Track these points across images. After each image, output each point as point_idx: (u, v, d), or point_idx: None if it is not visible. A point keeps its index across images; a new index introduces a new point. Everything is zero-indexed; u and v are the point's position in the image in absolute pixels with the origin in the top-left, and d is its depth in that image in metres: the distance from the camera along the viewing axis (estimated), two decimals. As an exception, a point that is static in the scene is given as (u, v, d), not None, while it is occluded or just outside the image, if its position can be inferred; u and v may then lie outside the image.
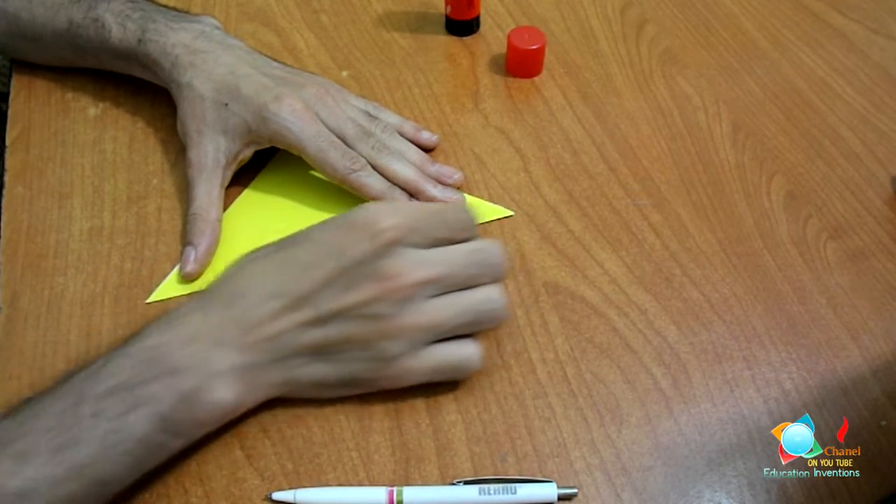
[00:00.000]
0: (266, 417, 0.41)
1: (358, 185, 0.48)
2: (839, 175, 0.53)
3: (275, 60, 0.53)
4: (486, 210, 0.51)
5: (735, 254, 0.49)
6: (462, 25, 0.63)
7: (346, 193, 0.50)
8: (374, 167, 0.49)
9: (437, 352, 0.40)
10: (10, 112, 0.57)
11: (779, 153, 0.55)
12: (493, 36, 0.63)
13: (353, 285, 0.38)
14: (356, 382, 0.41)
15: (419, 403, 0.42)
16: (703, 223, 0.50)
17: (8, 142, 0.55)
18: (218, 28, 0.54)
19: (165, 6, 0.55)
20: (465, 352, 0.41)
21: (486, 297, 0.41)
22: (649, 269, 0.48)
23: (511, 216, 0.51)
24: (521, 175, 0.53)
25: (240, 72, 0.50)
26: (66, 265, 0.48)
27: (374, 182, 0.49)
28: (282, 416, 0.41)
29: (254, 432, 0.41)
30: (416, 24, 0.64)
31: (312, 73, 0.54)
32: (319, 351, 0.39)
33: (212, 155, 0.49)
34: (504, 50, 0.60)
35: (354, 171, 0.48)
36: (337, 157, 0.48)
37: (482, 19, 0.63)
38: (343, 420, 0.41)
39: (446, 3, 0.62)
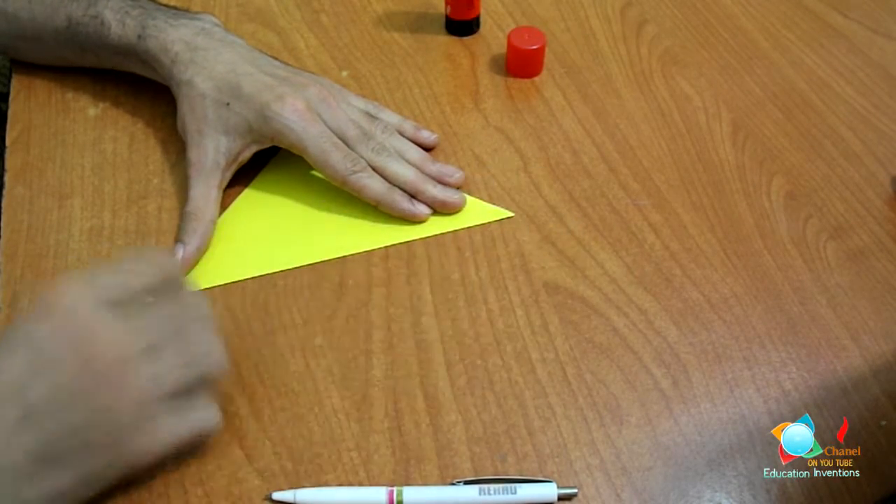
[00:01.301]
0: (266, 417, 0.41)
1: (358, 187, 0.48)
2: (839, 175, 0.53)
3: (276, 59, 0.53)
4: (487, 211, 0.51)
5: (735, 254, 0.49)
6: (462, 25, 0.63)
7: (345, 193, 0.50)
8: (374, 168, 0.49)
9: (173, 421, 0.36)
10: (10, 112, 0.57)
11: (779, 153, 0.55)
12: (493, 36, 0.63)
13: (52, 366, 0.34)
14: (96, 480, 0.35)
15: (419, 403, 0.42)
16: (703, 223, 0.50)
17: (8, 142, 0.55)
18: (218, 25, 0.54)
19: (165, 4, 0.55)
20: (203, 413, 0.38)
21: (204, 352, 0.38)
22: (649, 269, 0.48)
23: (511, 217, 0.51)
24: (521, 175, 0.53)
25: (241, 70, 0.50)
26: (66, 265, 0.48)
27: (373, 184, 0.49)
28: (282, 416, 0.41)
29: (254, 432, 0.41)
30: (416, 24, 0.64)
31: (313, 72, 0.54)
32: (43, 457, 0.33)
33: (211, 155, 0.49)
34: (504, 50, 0.60)
35: (355, 172, 0.48)
36: (338, 159, 0.48)
37: (482, 19, 0.63)
38: (343, 420, 0.41)
39: (446, 3, 0.62)
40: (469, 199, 0.51)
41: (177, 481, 0.39)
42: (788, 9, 0.66)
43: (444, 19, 0.63)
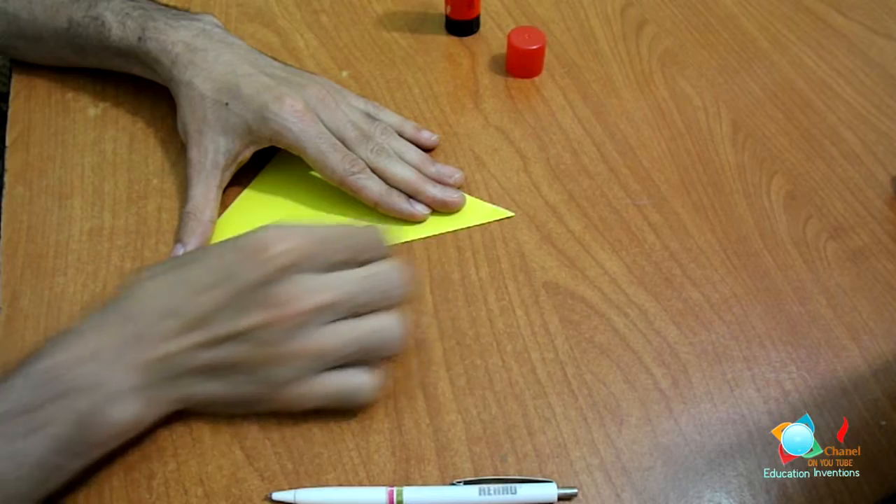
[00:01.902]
0: (266, 417, 0.41)
1: (356, 188, 0.48)
2: (839, 175, 0.53)
3: (275, 60, 0.53)
4: (487, 211, 0.51)
5: (735, 254, 0.49)
6: (462, 25, 0.63)
7: (344, 194, 0.50)
8: (373, 170, 0.49)
9: (328, 380, 0.40)
10: (10, 112, 0.57)
11: (779, 153, 0.55)
12: (493, 36, 0.63)
13: (245, 310, 0.38)
14: (249, 404, 0.40)
15: (419, 403, 0.42)
16: (703, 223, 0.50)
17: (8, 142, 0.55)
18: (218, 26, 0.54)
19: (166, 5, 0.55)
20: (355, 382, 0.40)
21: (382, 325, 0.40)
22: (649, 269, 0.48)
23: (511, 217, 0.51)
24: (521, 175, 0.53)
25: (240, 71, 0.50)
26: (66, 265, 0.48)
27: (372, 185, 0.49)
28: (282, 416, 0.41)
29: (254, 432, 0.41)
30: (416, 24, 0.64)
31: (313, 72, 0.54)
32: (212, 371, 0.38)
33: (211, 155, 0.49)
34: (504, 50, 0.60)
35: (353, 173, 0.48)
36: (336, 160, 0.48)
37: (482, 19, 0.63)
38: (343, 420, 0.41)
39: (446, 3, 0.62)
40: (469, 198, 0.51)
41: (177, 481, 0.39)
42: (788, 9, 0.66)
43: (444, 19, 0.63)
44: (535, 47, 0.58)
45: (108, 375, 0.36)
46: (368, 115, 0.52)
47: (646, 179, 0.53)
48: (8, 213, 0.50)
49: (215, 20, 0.54)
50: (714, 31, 0.64)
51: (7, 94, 0.58)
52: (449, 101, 0.58)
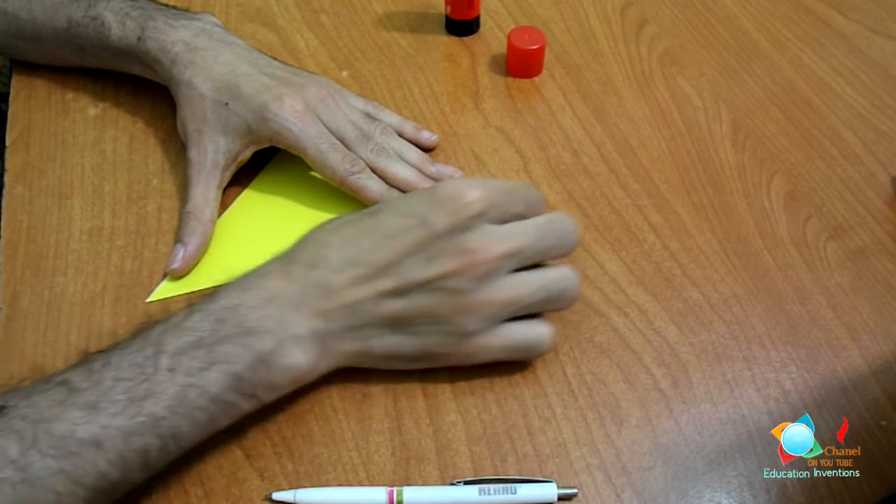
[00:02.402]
0: (266, 417, 0.41)
1: (356, 188, 0.48)
2: (839, 175, 0.53)
3: (275, 59, 0.53)
4: None
5: (735, 254, 0.49)
6: (462, 25, 0.63)
7: (344, 194, 0.50)
8: (373, 170, 0.49)
9: (511, 330, 0.41)
10: (10, 112, 0.57)
11: (779, 153, 0.55)
12: (493, 36, 0.63)
13: (436, 258, 0.38)
14: (429, 356, 0.41)
15: (419, 403, 0.42)
16: (703, 223, 0.50)
17: (8, 142, 0.55)
18: (218, 26, 0.54)
19: (165, 5, 0.55)
20: (538, 331, 0.42)
21: (562, 275, 0.41)
22: (649, 269, 0.48)
23: None
24: (521, 175, 0.53)
25: (240, 70, 0.50)
26: (66, 265, 0.48)
27: (372, 185, 0.49)
28: (282, 416, 0.41)
29: (254, 432, 0.41)
30: (416, 24, 0.64)
31: (313, 72, 0.54)
32: (396, 322, 0.39)
33: (211, 155, 0.49)
34: (504, 50, 0.60)
35: (353, 173, 0.48)
36: (336, 159, 0.48)
37: (482, 19, 0.63)
38: (343, 420, 0.41)
39: (446, 3, 0.62)
40: None
41: (177, 481, 0.39)
42: (788, 9, 0.66)
43: (444, 19, 0.63)
44: (535, 47, 0.58)
45: (288, 319, 0.37)
46: (368, 115, 0.53)
47: (646, 179, 0.53)
48: (8, 213, 0.50)
49: (215, 19, 0.54)
50: (714, 31, 0.64)
51: (7, 94, 0.58)
52: (449, 101, 0.58)
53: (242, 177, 0.52)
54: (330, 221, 0.41)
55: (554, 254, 0.41)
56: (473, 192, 0.39)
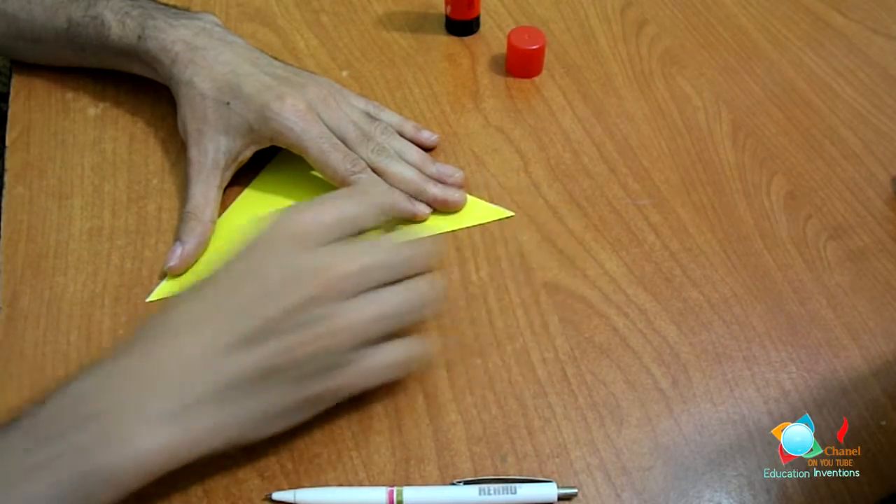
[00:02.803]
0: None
1: (359, 171, 0.49)
2: (839, 175, 0.53)
3: (276, 59, 0.53)
4: (487, 211, 0.51)
5: (735, 254, 0.49)
6: (462, 25, 0.63)
7: None
8: (374, 169, 0.49)
9: (390, 349, 0.39)
10: (10, 112, 0.56)
11: (779, 153, 0.55)
12: (493, 36, 0.63)
13: (292, 288, 0.36)
14: (308, 403, 0.38)
15: (419, 403, 0.42)
16: (703, 223, 0.50)
17: (8, 142, 0.55)
18: (218, 25, 0.54)
19: (166, 4, 0.55)
20: (412, 344, 0.41)
21: (418, 286, 0.40)
22: (649, 269, 0.48)
23: (511, 216, 0.51)
24: (521, 175, 0.53)
25: (241, 70, 0.50)
26: (66, 265, 0.48)
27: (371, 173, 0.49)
28: (282, 416, 0.41)
29: (254, 432, 0.41)
30: (416, 24, 0.64)
31: (313, 72, 0.54)
32: (264, 376, 0.35)
33: (211, 155, 0.49)
34: (504, 50, 0.60)
35: (354, 173, 0.48)
36: (338, 159, 0.48)
37: (482, 19, 0.63)
38: (343, 420, 0.41)
39: (446, 3, 0.62)
40: (469, 198, 0.51)
41: (177, 481, 0.39)
42: (788, 9, 0.66)
43: (444, 19, 0.63)
44: (535, 47, 0.58)
45: (139, 401, 0.34)
46: (369, 115, 0.53)
47: (646, 179, 0.53)
48: (8, 213, 0.50)
49: (215, 19, 0.54)
50: (714, 31, 0.64)
51: (7, 94, 0.58)
52: (449, 101, 0.58)
53: (242, 176, 0.52)
54: (181, 293, 0.38)
55: (409, 273, 0.40)
56: (304, 216, 0.38)
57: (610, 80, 0.60)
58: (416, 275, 0.40)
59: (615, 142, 0.55)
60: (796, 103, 0.58)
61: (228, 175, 0.50)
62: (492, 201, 0.51)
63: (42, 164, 0.53)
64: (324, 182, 0.50)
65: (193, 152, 0.49)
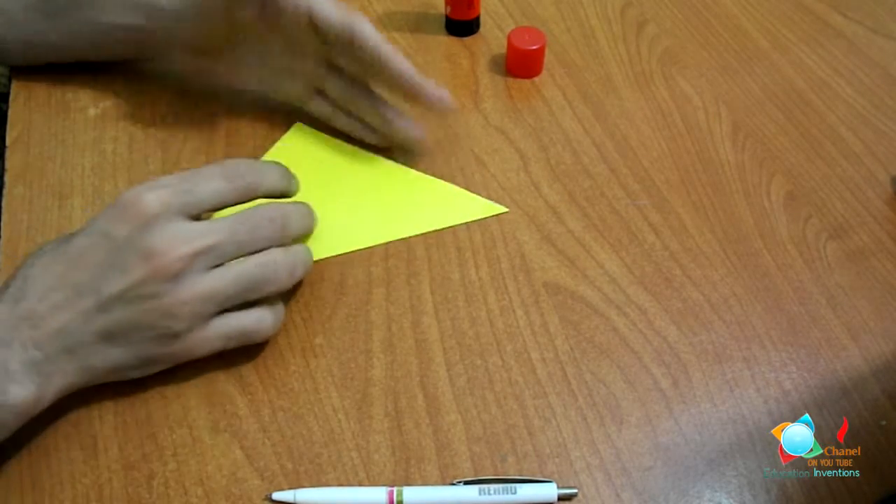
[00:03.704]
0: (266, 417, 0.41)
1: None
2: (839, 175, 0.53)
3: None
4: (480, 206, 0.51)
5: (735, 254, 0.49)
6: (462, 25, 0.63)
7: (343, 191, 0.50)
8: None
9: (225, 322, 0.40)
10: (10, 112, 0.56)
11: (779, 153, 0.55)
12: (493, 36, 0.63)
13: (124, 268, 0.38)
14: (150, 362, 0.40)
15: (419, 403, 0.42)
16: (703, 223, 0.50)
17: (8, 142, 0.55)
18: None
19: None
20: (254, 317, 0.41)
21: (266, 260, 0.41)
22: (649, 269, 0.48)
23: (506, 212, 0.51)
24: (521, 175, 0.53)
25: None
26: (66, 265, 0.48)
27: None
28: (282, 416, 0.41)
29: (254, 432, 0.41)
30: (416, 24, 0.64)
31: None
32: (108, 337, 0.39)
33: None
34: (504, 50, 0.60)
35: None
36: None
37: (482, 19, 0.63)
38: (343, 420, 0.41)
39: (446, 4, 0.62)
40: (463, 193, 0.51)
41: (177, 481, 0.39)
42: (788, 9, 0.66)
43: (444, 19, 0.63)
44: (535, 47, 0.58)
45: (1, 356, 0.37)
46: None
47: (646, 179, 0.53)
48: (8, 213, 0.50)
49: None
50: (714, 31, 0.64)
51: (7, 95, 0.58)
52: (449, 101, 0.58)
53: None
54: (33, 253, 0.40)
55: (260, 245, 0.41)
56: (148, 195, 0.39)
57: (610, 80, 0.60)
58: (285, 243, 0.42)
59: (615, 142, 0.55)
60: (796, 103, 0.58)
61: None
62: (492, 201, 0.51)
63: (42, 164, 0.53)
64: (315, 182, 0.50)
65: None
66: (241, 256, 0.40)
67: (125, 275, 0.38)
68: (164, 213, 0.39)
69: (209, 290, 0.39)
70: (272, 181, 0.43)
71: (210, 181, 0.41)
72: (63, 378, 0.39)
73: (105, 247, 0.38)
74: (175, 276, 0.38)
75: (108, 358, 0.39)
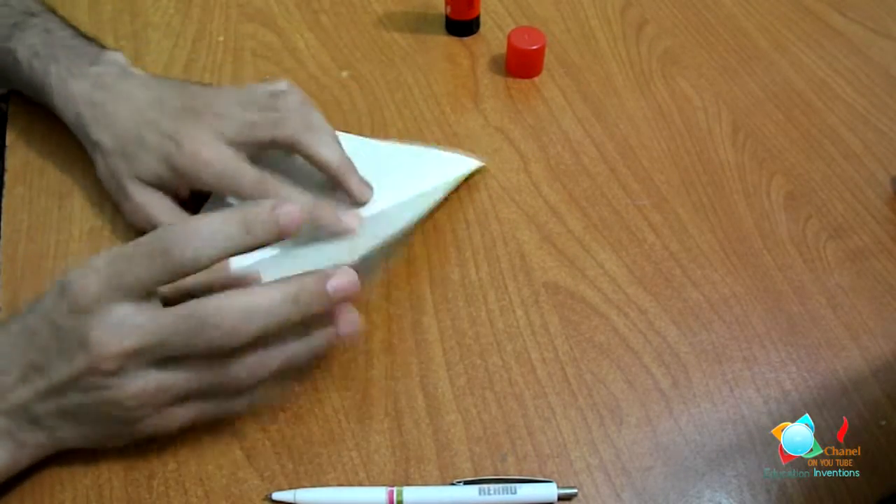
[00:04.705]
0: (266, 417, 0.41)
1: (273, 195, 0.45)
2: (839, 175, 0.53)
3: (178, 82, 0.50)
4: (456, 163, 0.51)
5: (735, 254, 0.49)
6: (462, 25, 0.63)
7: None
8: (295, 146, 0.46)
9: (190, 408, 0.38)
10: (9, 112, 0.57)
11: (779, 153, 0.55)
12: (493, 36, 0.63)
13: (70, 356, 0.36)
14: (120, 438, 0.39)
15: (419, 403, 0.42)
16: (703, 223, 0.50)
17: (8, 142, 0.55)
18: (119, 65, 0.50)
19: (76, 35, 0.52)
20: (224, 408, 0.39)
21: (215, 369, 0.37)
22: (649, 269, 0.48)
23: (483, 167, 0.51)
24: (521, 175, 0.53)
25: (144, 118, 0.47)
26: (66, 265, 0.48)
27: (287, 191, 0.46)
28: (282, 416, 0.41)
29: (254, 432, 0.41)
30: (416, 24, 0.64)
31: (279, 77, 0.51)
32: (70, 416, 0.37)
33: (144, 208, 0.47)
34: (504, 50, 0.60)
35: (266, 190, 0.45)
36: (246, 185, 0.45)
37: (482, 19, 0.63)
38: (343, 420, 0.41)
39: (446, 4, 0.62)
40: (435, 152, 0.51)
41: (177, 481, 0.39)
42: (788, 9, 0.66)
43: (444, 19, 0.63)
44: (535, 47, 0.58)
45: None
46: (269, 94, 0.49)
47: (646, 179, 0.53)
48: (8, 213, 0.50)
49: (119, 57, 0.51)
50: (714, 31, 0.64)
51: (7, 95, 0.58)
52: (449, 101, 0.58)
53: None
54: None
55: (214, 345, 0.36)
56: (83, 280, 0.35)
57: (610, 80, 0.60)
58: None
59: (615, 142, 0.55)
60: (796, 103, 0.58)
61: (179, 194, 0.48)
62: (492, 201, 0.51)
63: (42, 164, 0.53)
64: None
65: (127, 206, 0.47)
66: (193, 353, 0.36)
67: (70, 364, 0.36)
68: (102, 300, 0.35)
69: (155, 388, 0.36)
70: (213, 249, 0.36)
71: (141, 269, 0.36)
72: (35, 447, 0.38)
73: (48, 331, 0.36)
74: (115, 373, 0.35)
75: (75, 433, 0.38)
